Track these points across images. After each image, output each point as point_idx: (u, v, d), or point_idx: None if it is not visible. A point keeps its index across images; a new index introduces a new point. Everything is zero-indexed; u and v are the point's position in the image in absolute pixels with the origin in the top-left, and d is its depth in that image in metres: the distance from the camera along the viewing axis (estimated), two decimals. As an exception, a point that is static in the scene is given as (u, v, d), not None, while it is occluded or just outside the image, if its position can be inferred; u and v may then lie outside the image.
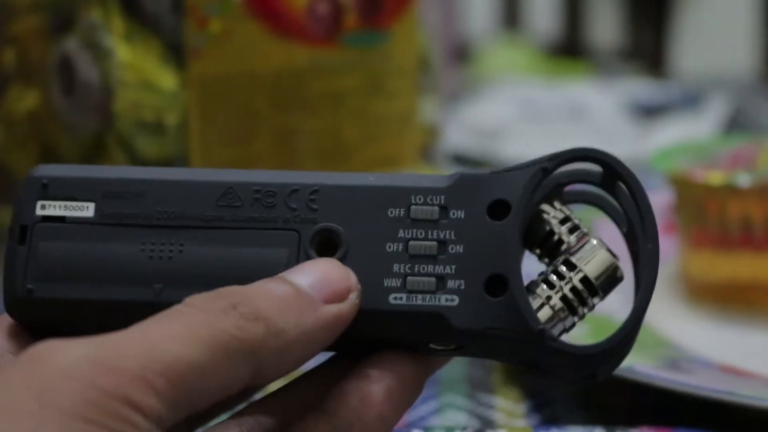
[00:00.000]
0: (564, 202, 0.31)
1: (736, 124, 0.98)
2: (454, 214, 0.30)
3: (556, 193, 0.31)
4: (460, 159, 0.85)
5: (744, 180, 0.53)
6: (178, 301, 0.27)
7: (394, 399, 0.29)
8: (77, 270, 0.31)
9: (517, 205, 0.30)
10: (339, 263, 0.30)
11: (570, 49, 2.22)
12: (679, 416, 0.42)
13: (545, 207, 0.31)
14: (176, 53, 0.50)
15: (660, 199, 0.65)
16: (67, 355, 0.25)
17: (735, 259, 0.55)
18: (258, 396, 0.32)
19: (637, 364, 0.43)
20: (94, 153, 0.50)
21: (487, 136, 0.91)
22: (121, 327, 0.26)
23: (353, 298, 0.29)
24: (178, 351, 0.26)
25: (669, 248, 0.59)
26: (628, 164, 0.31)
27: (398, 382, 0.30)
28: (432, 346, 0.30)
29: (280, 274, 0.29)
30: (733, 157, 0.58)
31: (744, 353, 0.48)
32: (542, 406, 0.45)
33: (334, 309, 0.29)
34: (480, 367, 0.48)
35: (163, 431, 0.25)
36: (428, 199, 0.30)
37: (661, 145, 0.65)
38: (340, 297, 0.29)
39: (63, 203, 0.32)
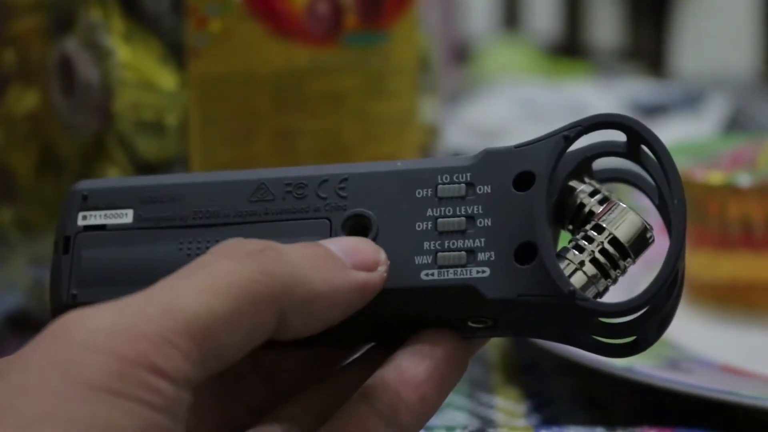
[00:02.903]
0: (594, 177, 0.31)
1: (736, 124, 0.98)
2: (480, 189, 0.30)
3: (585, 169, 0.31)
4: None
5: (744, 180, 0.53)
6: None
7: (436, 380, 0.29)
8: (118, 273, 0.32)
9: (542, 173, 0.30)
10: (370, 241, 0.30)
11: (570, 49, 2.22)
12: (679, 416, 0.42)
13: (574, 183, 0.31)
14: (176, 53, 0.50)
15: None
16: (87, 325, 0.25)
17: (735, 259, 0.55)
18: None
19: (637, 363, 0.43)
20: (94, 153, 0.50)
21: (487, 136, 0.91)
22: None
23: (381, 270, 0.29)
24: (198, 306, 0.25)
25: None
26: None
27: (439, 362, 0.29)
28: (470, 324, 0.30)
29: (313, 242, 0.29)
30: (733, 157, 0.58)
31: (744, 353, 0.48)
32: (542, 405, 0.45)
33: (362, 275, 0.29)
34: (480, 367, 0.48)
35: (191, 390, 0.25)
36: (455, 177, 0.31)
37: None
38: (369, 266, 0.29)
39: (103, 212, 0.33)
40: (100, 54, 0.49)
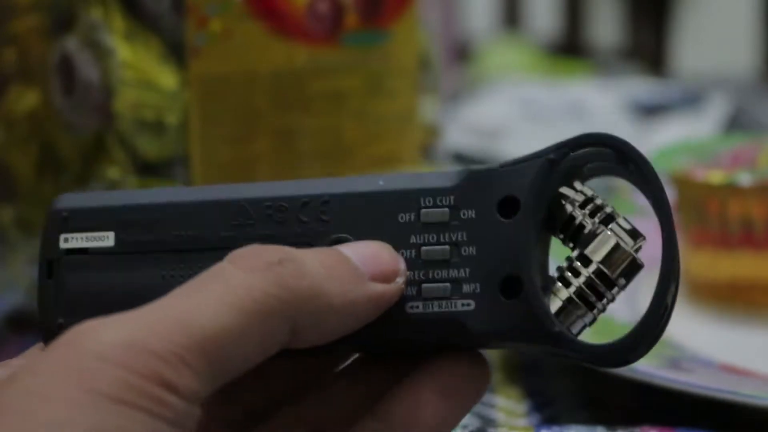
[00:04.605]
0: (586, 178, 0.31)
1: (736, 124, 0.98)
2: (464, 214, 0.30)
3: (577, 174, 0.31)
4: (460, 158, 0.85)
5: (744, 179, 0.53)
6: None
7: (449, 401, 0.29)
8: (102, 301, 0.32)
9: (526, 201, 0.29)
10: (390, 247, 0.30)
11: (570, 48, 2.22)
12: (680, 416, 0.42)
13: (565, 190, 0.30)
14: (177, 53, 0.50)
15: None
16: (101, 339, 0.25)
17: (735, 258, 0.55)
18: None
19: (637, 363, 0.43)
20: (95, 153, 0.50)
21: (487, 136, 0.91)
22: None
23: (400, 282, 0.29)
24: (211, 321, 0.25)
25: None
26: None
27: (452, 384, 0.29)
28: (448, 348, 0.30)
29: (333, 246, 0.29)
30: (734, 157, 0.58)
31: (745, 352, 0.48)
32: (543, 405, 0.45)
33: (380, 287, 0.28)
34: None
35: (200, 404, 0.25)
36: (437, 201, 0.30)
37: (662, 145, 0.65)
38: (387, 277, 0.29)
39: (84, 234, 0.32)
40: (100, 53, 0.49)
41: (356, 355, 0.32)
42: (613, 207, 0.30)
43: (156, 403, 0.24)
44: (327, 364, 0.33)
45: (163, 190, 0.33)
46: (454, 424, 0.29)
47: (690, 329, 0.51)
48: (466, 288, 0.29)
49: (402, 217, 0.30)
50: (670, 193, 0.58)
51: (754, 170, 0.54)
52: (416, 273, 0.30)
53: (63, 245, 0.32)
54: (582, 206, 0.30)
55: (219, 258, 0.30)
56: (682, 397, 0.41)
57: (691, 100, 1.00)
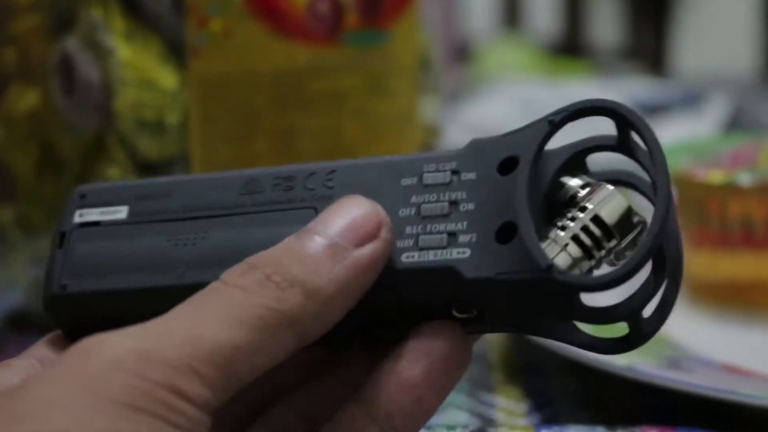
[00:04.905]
0: (588, 176, 0.31)
1: (736, 123, 0.98)
2: (465, 176, 0.30)
3: (579, 165, 0.31)
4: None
5: (744, 179, 0.53)
6: (200, 282, 0.28)
7: (433, 380, 0.28)
8: (108, 265, 0.32)
9: (524, 157, 0.30)
10: (364, 199, 0.29)
11: (570, 48, 2.22)
12: (680, 416, 0.42)
13: (566, 178, 0.30)
14: (177, 52, 0.50)
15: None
16: (113, 347, 0.25)
17: (736, 258, 0.55)
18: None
19: (638, 363, 0.43)
20: (95, 152, 0.50)
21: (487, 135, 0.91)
22: (149, 313, 0.27)
23: (385, 234, 0.29)
24: (219, 335, 0.26)
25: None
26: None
27: (435, 361, 0.28)
28: (455, 313, 0.30)
29: (307, 227, 0.29)
30: (734, 157, 0.58)
31: (745, 352, 0.48)
32: (543, 405, 0.45)
33: (366, 251, 0.28)
34: (481, 366, 0.48)
35: (211, 413, 0.25)
36: (440, 166, 0.31)
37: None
38: (370, 236, 0.28)
39: (99, 209, 0.33)
40: (100, 53, 0.49)
41: (348, 353, 0.32)
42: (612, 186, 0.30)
43: (170, 411, 0.24)
44: (328, 353, 0.33)
45: (180, 176, 0.34)
46: (436, 406, 0.29)
47: (690, 329, 0.51)
48: (462, 238, 0.29)
49: (405, 181, 0.31)
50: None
51: (754, 170, 0.54)
52: (414, 227, 0.30)
53: (77, 219, 0.33)
54: (582, 188, 0.30)
55: (224, 223, 0.31)
56: (682, 397, 0.41)
57: (691, 100, 1.00)
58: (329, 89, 0.53)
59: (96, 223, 0.33)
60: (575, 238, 0.29)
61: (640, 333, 0.29)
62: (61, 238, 0.33)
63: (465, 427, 0.42)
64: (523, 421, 0.43)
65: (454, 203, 0.30)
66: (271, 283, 0.27)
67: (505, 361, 0.49)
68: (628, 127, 0.30)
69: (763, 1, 2.24)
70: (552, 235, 0.29)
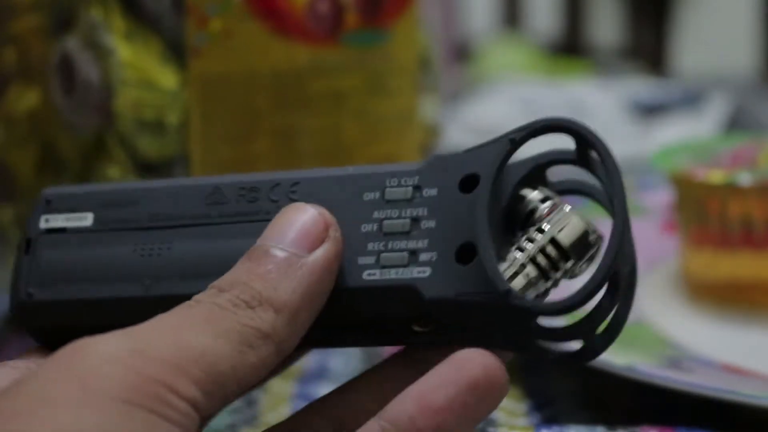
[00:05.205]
0: (550, 186, 0.31)
1: (736, 123, 0.98)
2: (426, 192, 0.31)
3: (538, 178, 0.31)
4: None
5: (745, 179, 0.53)
6: (166, 294, 0.28)
7: (456, 408, 0.28)
8: (74, 273, 0.32)
9: (485, 175, 0.30)
10: (305, 205, 0.30)
11: (570, 48, 2.21)
12: (680, 415, 0.42)
13: (525, 191, 0.31)
14: (177, 52, 0.50)
15: (660, 198, 0.65)
16: (107, 345, 0.25)
17: (735, 258, 0.55)
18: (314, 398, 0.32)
19: (638, 363, 0.43)
20: (95, 152, 0.50)
21: (487, 136, 0.91)
22: (116, 323, 0.27)
23: (333, 233, 0.29)
24: (204, 343, 0.26)
25: (669, 247, 0.59)
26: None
27: (462, 390, 0.28)
28: (415, 328, 0.30)
29: (258, 242, 0.29)
30: (734, 156, 0.58)
31: (745, 352, 0.48)
32: (543, 405, 0.45)
33: (320, 254, 0.29)
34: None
35: (201, 414, 0.25)
36: (402, 181, 0.31)
37: (662, 144, 0.65)
38: (321, 239, 0.29)
39: (64, 215, 0.33)
40: (100, 53, 0.49)
41: (383, 357, 0.32)
42: (570, 206, 0.30)
43: (164, 406, 0.24)
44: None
45: (143, 182, 0.34)
46: None
47: (690, 329, 0.51)
48: (423, 257, 0.30)
49: (367, 196, 0.31)
50: (668, 193, 0.58)
51: (754, 170, 0.54)
52: (376, 244, 0.30)
53: (43, 225, 0.33)
54: (541, 202, 0.30)
55: (189, 234, 0.32)
56: (682, 397, 0.41)
57: (691, 100, 1.00)
58: (329, 89, 0.53)
59: (62, 230, 0.33)
60: (533, 260, 0.29)
61: (592, 350, 0.30)
62: (27, 245, 0.33)
63: (465, 427, 0.42)
64: (523, 421, 0.43)
65: (415, 220, 0.30)
66: (242, 303, 0.28)
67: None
68: (587, 146, 0.30)
69: (763, 1, 2.24)
70: (510, 257, 0.30)
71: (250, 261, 0.29)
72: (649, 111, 0.97)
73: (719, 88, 1.07)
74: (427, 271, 0.29)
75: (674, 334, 0.50)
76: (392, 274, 0.30)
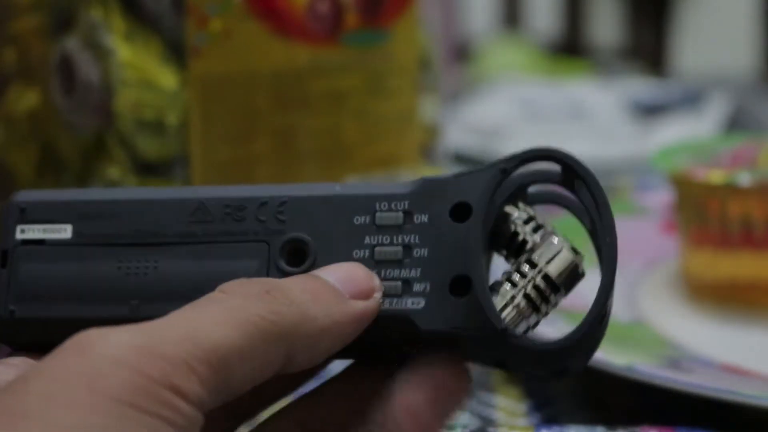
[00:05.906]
0: (528, 203, 0.32)
1: (736, 123, 0.98)
2: (417, 218, 0.31)
3: (520, 195, 0.32)
4: (460, 158, 0.85)
5: (744, 179, 0.53)
6: (155, 315, 0.28)
7: (435, 407, 0.30)
8: (57, 290, 0.32)
9: (478, 206, 0.30)
10: (363, 267, 0.30)
11: (570, 48, 2.22)
12: (680, 416, 0.42)
13: (509, 209, 0.31)
14: (177, 52, 0.50)
15: (660, 199, 0.65)
16: (113, 343, 0.25)
17: (735, 258, 0.55)
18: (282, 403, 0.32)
19: (637, 363, 0.43)
20: (95, 152, 0.50)
21: (487, 136, 0.91)
22: None
23: (377, 297, 0.30)
24: (217, 336, 0.26)
25: (669, 247, 0.59)
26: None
27: (437, 390, 0.30)
28: (405, 348, 0.31)
29: (310, 272, 0.30)
30: (734, 156, 0.58)
31: (745, 352, 0.48)
32: (543, 405, 0.45)
33: (360, 305, 0.29)
34: (480, 366, 0.48)
35: (204, 413, 0.26)
36: (392, 206, 0.31)
37: (662, 144, 0.65)
38: (365, 294, 0.30)
39: (41, 226, 0.32)
40: (100, 53, 0.49)
41: (349, 362, 0.32)
42: (553, 226, 0.31)
43: (166, 407, 0.24)
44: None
45: (123, 189, 0.33)
46: (439, 430, 0.30)
47: (690, 329, 0.51)
48: (417, 287, 0.30)
49: (357, 220, 0.31)
50: (668, 193, 0.58)
51: (754, 170, 0.54)
52: None
53: (19, 236, 0.32)
54: (525, 223, 0.31)
55: (175, 252, 0.31)
56: (682, 397, 0.41)
57: (691, 100, 1.00)
58: (329, 89, 0.53)
59: (40, 242, 0.32)
60: (525, 294, 0.30)
61: (570, 371, 0.31)
62: (4, 257, 0.32)
63: (465, 427, 0.42)
64: (523, 421, 0.43)
65: (407, 247, 0.30)
66: (269, 297, 0.28)
67: (505, 361, 0.49)
68: (575, 176, 0.31)
69: (763, 1, 2.25)
70: (503, 290, 0.30)
71: (298, 277, 0.30)
72: (649, 111, 0.97)
73: (719, 88, 1.07)
74: (421, 303, 0.30)
75: (674, 334, 0.50)
76: (386, 304, 0.30)
